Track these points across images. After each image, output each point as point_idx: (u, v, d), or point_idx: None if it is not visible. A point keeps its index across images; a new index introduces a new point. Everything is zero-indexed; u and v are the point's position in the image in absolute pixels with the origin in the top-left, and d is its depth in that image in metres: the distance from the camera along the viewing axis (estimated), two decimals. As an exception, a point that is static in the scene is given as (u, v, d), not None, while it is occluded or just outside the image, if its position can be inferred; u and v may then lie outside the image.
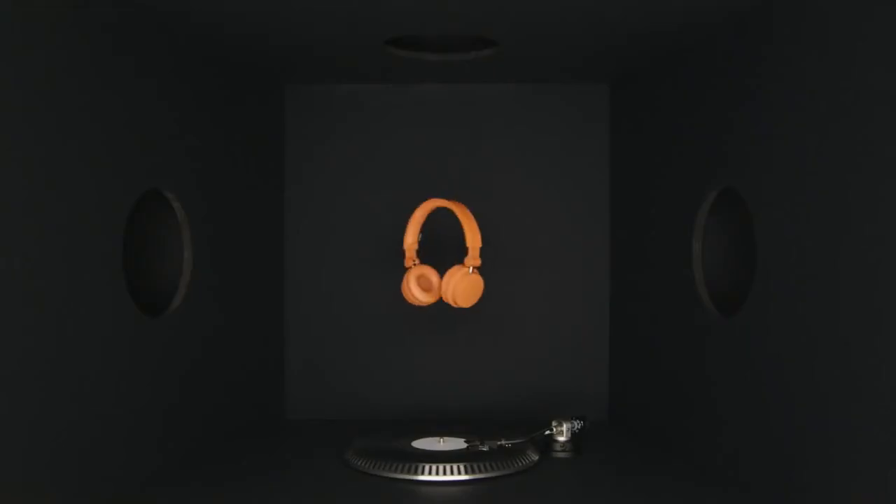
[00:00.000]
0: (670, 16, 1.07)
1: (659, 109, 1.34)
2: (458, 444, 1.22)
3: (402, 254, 1.36)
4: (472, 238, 1.33)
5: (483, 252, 1.53)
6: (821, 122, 0.88)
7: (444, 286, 1.31)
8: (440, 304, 1.41)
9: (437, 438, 1.24)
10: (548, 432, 1.25)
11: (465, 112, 1.55)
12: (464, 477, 1.11)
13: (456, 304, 1.31)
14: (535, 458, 1.19)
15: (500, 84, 1.54)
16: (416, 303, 1.34)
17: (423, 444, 1.22)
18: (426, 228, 1.42)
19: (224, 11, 1.06)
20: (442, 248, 1.48)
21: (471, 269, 1.32)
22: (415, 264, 1.36)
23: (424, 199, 1.37)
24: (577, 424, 1.26)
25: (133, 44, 1.05)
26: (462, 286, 1.30)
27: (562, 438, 1.25)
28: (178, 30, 1.14)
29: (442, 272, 1.36)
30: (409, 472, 1.11)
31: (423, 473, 1.11)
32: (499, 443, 1.20)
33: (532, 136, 1.55)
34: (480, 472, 1.11)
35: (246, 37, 1.19)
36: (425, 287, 1.35)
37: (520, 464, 1.16)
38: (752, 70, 1.03)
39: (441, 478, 1.10)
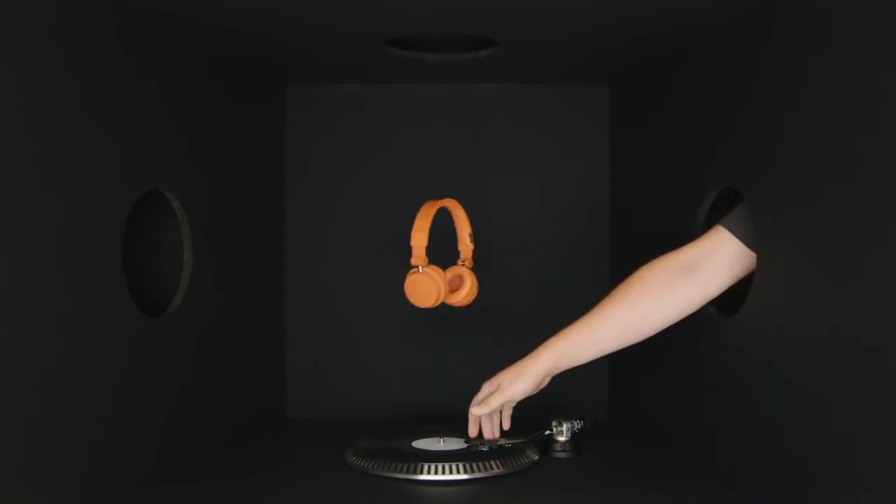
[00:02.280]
0: (670, 16, 1.07)
1: (659, 109, 1.34)
2: (458, 444, 1.22)
3: (409, 252, 1.30)
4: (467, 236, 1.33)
5: (483, 251, 1.53)
6: (821, 122, 0.88)
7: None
8: (437, 307, 1.40)
9: (437, 438, 1.24)
10: (548, 432, 1.25)
11: (465, 112, 1.55)
12: (464, 477, 1.11)
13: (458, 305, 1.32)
14: (535, 458, 1.19)
15: (500, 84, 1.54)
16: (437, 302, 1.29)
17: (423, 444, 1.22)
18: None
19: (224, 12, 1.06)
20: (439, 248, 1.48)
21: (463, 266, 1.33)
22: (424, 265, 1.31)
23: (424, 198, 1.36)
24: (577, 424, 1.26)
25: (133, 44, 1.05)
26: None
27: (562, 438, 1.25)
28: (179, 30, 1.14)
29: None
30: (409, 472, 1.11)
31: (423, 473, 1.11)
32: (499, 442, 1.20)
33: (532, 136, 1.54)
34: (480, 471, 1.11)
35: (246, 37, 1.19)
36: (455, 288, 1.34)
37: (520, 464, 1.16)
38: (752, 70, 1.03)
39: (441, 477, 1.10)
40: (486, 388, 1.22)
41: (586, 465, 1.21)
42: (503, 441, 1.21)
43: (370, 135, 1.55)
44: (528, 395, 1.18)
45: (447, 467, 1.11)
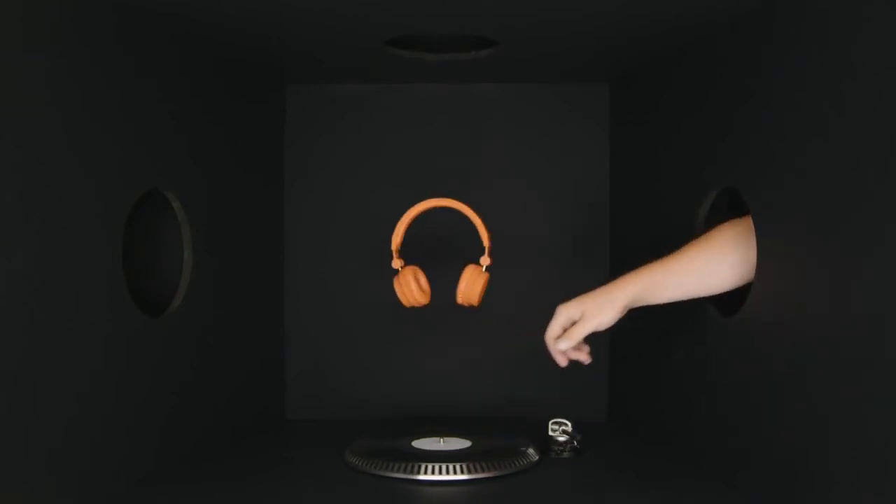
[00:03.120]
0: (670, 16, 1.07)
1: (659, 109, 1.34)
2: (458, 443, 1.22)
3: (390, 255, 1.32)
4: (486, 237, 1.32)
5: (482, 252, 1.53)
6: (821, 122, 0.88)
7: (462, 287, 1.30)
8: (440, 304, 1.40)
9: (437, 438, 1.24)
10: (576, 438, 1.25)
11: (465, 112, 1.55)
12: (464, 477, 1.11)
13: (470, 304, 1.30)
14: (535, 458, 1.19)
15: (500, 84, 1.54)
16: (413, 304, 1.32)
17: (423, 444, 1.22)
18: (415, 228, 1.40)
19: (224, 12, 1.06)
20: (434, 248, 1.48)
21: (484, 268, 1.31)
22: (403, 266, 1.34)
23: (424, 198, 1.36)
24: (577, 438, 1.25)
25: (133, 44, 1.05)
26: (480, 287, 1.29)
27: (562, 439, 1.25)
28: (179, 30, 1.14)
29: (434, 272, 1.35)
30: (409, 472, 1.11)
31: (423, 473, 1.11)
32: (576, 441, 1.24)
33: (532, 135, 1.55)
34: (480, 471, 1.11)
35: (246, 37, 1.19)
36: (423, 287, 1.34)
37: (520, 464, 1.16)
38: (752, 70, 1.03)
39: (441, 478, 1.10)
40: (565, 312, 1.13)
41: (586, 465, 1.21)
42: (574, 441, 1.24)
43: (370, 135, 1.55)
44: (609, 326, 1.11)
45: (447, 467, 1.11)
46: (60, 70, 0.90)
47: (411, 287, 1.29)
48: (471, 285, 1.28)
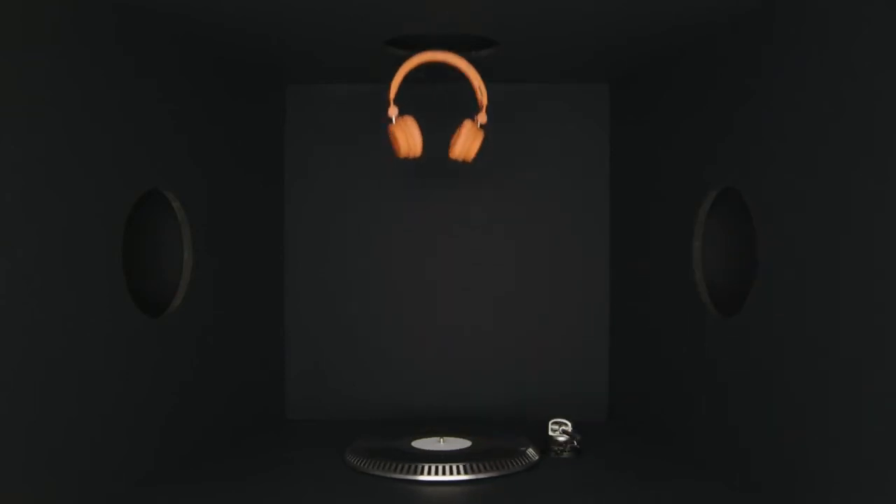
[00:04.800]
0: (670, 16, 1.07)
1: (659, 109, 1.34)
2: (458, 443, 1.22)
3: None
4: (484, 94, 1.24)
5: (482, 252, 1.53)
6: (821, 122, 0.88)
7: (459, 142, 1.23)
8: (437, 307, 1.40)
9: (437, 438, 1.24)
10: (576, 438, 1.25)
11: (466, 112, 1.55)
12: (464, 477, 1.11)
13: (465, 160, 1.24)
14: (535, 458, 1.19)
15: (499, 84, 1.54)
16: (409, 153, 1.22)
17: (423, 444, 1.22)
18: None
19: (224, 12, 1.06)
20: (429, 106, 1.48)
21: (479, 125, 1.23)
22: (398, 115, 1.22)
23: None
24: (577, 438, 1.25)
25: (133, 44, 1.05)
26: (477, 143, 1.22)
27: (562, 439, 1.25)
28: (179, 30, 1.14)
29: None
30: (409, 472, 1.11)
31: (423, 473, 1.11)
32: (576, 441, 1.23)
33: (532, 135, 1.55)
34: (480, 472, 1.11)
35: (246, 37, 1.19)
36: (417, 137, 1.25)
37: (520, 464, 1.16)
38: (752, 70, 1.03)
39: (441, 478, 1.10)
40: None
41: (586, 465, 1.21)
42: (575, 441, 1.24)
43: (370, 135, 1.55)
44: None
45: (447, 467, 1.11)
46: (60, 70, 0.90)
47: (413, 133, 1.19)
48: (468, 141, 1.22)
